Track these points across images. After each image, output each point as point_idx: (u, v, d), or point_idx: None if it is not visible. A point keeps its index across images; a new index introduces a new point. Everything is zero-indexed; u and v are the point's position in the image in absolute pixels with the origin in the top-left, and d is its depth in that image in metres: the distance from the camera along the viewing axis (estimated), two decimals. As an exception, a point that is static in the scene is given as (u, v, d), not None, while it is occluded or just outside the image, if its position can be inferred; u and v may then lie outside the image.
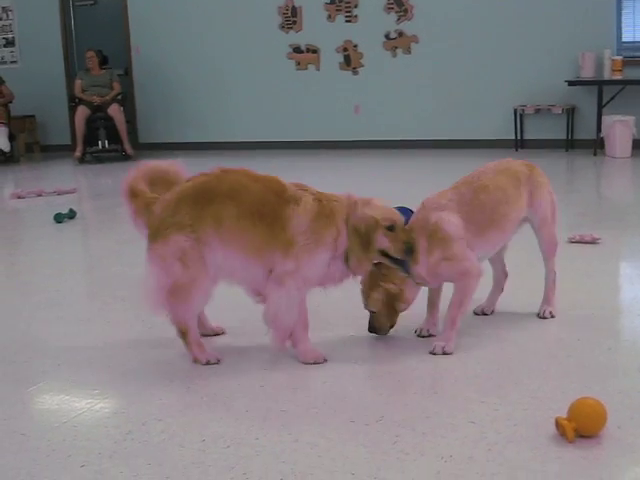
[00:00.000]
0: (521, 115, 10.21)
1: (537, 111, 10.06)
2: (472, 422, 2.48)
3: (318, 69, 11.21)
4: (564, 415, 2.36)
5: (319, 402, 2.69)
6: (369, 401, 2.69)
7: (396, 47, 10.81)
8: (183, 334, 3.09)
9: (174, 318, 3.08)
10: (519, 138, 10.26)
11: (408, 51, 10.75)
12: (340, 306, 3.61)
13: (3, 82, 11.55)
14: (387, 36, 10.83)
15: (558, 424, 2.34)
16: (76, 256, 5.53)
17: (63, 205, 6.89)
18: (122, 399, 2.83)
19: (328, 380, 2.89)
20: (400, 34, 10.77)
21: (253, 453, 2.33)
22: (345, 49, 11.03)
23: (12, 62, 12.88)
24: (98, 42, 11.72)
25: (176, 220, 2.98)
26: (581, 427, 2.31)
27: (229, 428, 2.51)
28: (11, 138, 11.39)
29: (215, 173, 3.10)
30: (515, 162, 3.46)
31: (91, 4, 12.44)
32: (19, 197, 7.93)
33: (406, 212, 3.38)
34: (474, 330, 3.38)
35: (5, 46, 12.96)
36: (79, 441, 2.47)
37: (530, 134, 10.31)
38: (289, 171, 9.28)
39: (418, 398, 2.70)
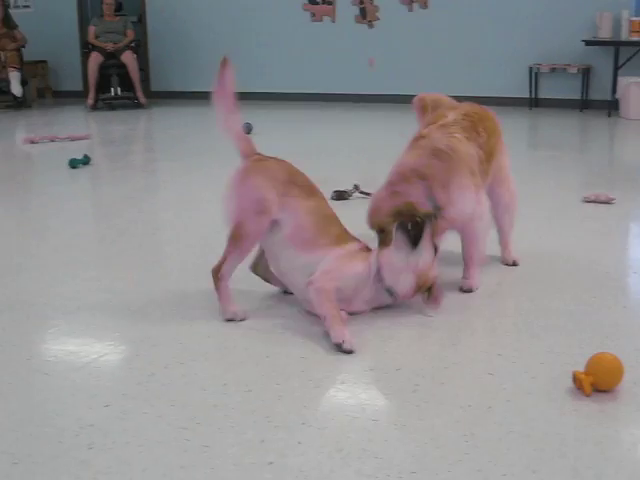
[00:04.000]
0: (536, 74, 10.16)
1: (552, 70, 10.00)
2: (490, 374, 2.51)
3: (333, 21, 11.12)
4: (581, 369, 2.39)
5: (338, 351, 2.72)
6: (388, 351, 2.72)
7: (413, 1, 10.71)
8: None
9: None
10: (533, 97, 10.21)
11: (425, 5, 10.66)
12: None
13: (16, 26, 11.49)
14: (404, -10, 10.72)
15: (576, 378, 2.38)
16: (92, 202, 5.55)
17: (77, 151, 6.90)
18: (143, 342, 2.86)
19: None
20: (417, -12, 10.66)
21: (275, 397, 2.37)
22: (361, 2, 10.93)
23: (25, 6, 12.79)
24: (111, -12, 11.61)
25: None
26: (598, 381, 2.35)
27: (250, 373, 2.55)
28: (23, 83, 11.36)
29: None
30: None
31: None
32: (32, 142, 7.94)
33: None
34: (490, 284, 3.41)
35: (18, -10, 12.89)
36: (103, 382, 2.51)
37: (545, 93, 10.26)
38: (303, 122, 9.30)
39: (437, 349, 2.73)
